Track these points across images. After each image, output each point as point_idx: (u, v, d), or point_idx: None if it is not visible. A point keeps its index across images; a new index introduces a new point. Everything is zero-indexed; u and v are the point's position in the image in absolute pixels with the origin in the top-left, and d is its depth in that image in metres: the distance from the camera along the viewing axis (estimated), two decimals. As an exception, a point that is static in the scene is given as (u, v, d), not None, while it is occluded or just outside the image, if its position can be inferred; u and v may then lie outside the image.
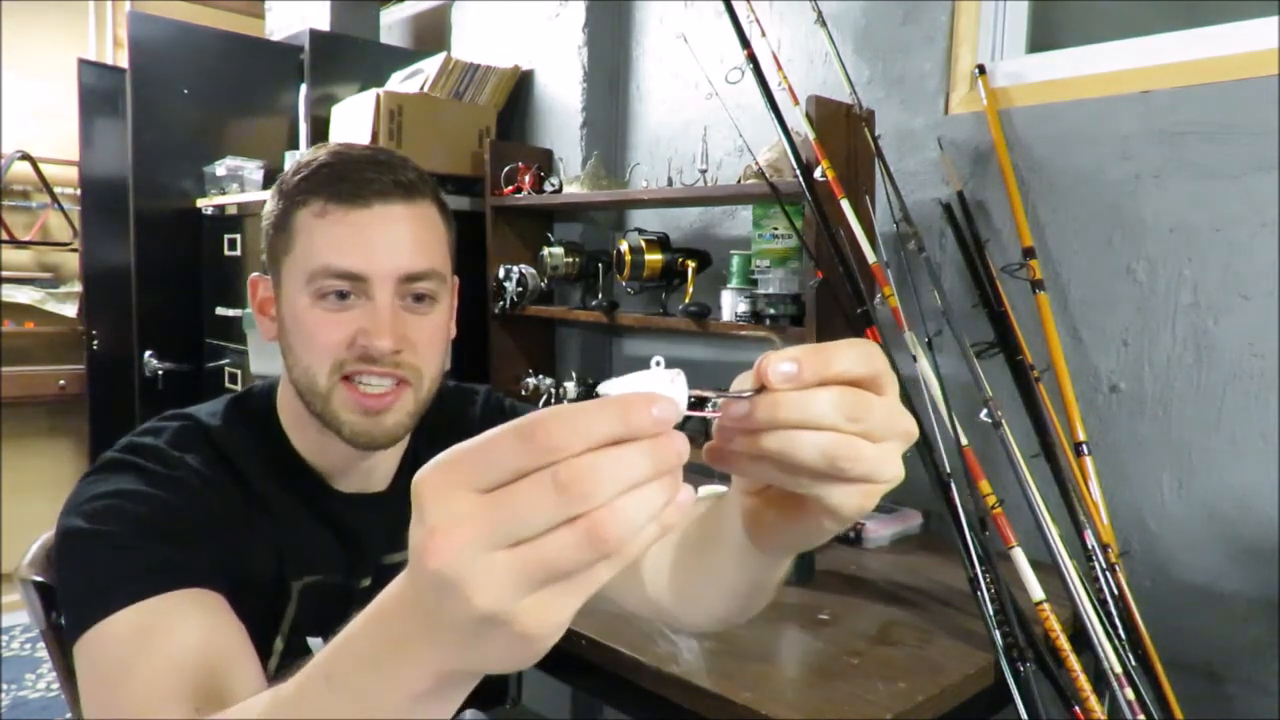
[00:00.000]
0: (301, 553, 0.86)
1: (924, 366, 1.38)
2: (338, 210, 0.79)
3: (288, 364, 0.84)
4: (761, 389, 0.43)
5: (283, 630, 0.85)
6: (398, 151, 0.85)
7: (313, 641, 0.89)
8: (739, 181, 1.86)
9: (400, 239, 0.80)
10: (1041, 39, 1.76)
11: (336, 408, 0.81)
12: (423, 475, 0.36)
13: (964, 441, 1.34)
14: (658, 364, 0.41)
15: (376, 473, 0.92)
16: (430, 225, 0.84)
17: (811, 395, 0.42)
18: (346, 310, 0.80)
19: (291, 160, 2.57)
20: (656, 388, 0.39)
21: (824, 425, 0.42)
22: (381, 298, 0.79)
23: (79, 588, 0.72)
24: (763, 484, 0.51)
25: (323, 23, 2.79)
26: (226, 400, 0.90)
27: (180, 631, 0.68)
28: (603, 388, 0.39)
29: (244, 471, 0.84)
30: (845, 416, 0.42)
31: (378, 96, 2.31)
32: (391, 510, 0.93)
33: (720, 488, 1.78)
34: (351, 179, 0.79)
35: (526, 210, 2.34)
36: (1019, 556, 1.28)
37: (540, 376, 2.29)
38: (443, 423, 0.98)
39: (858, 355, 0.43)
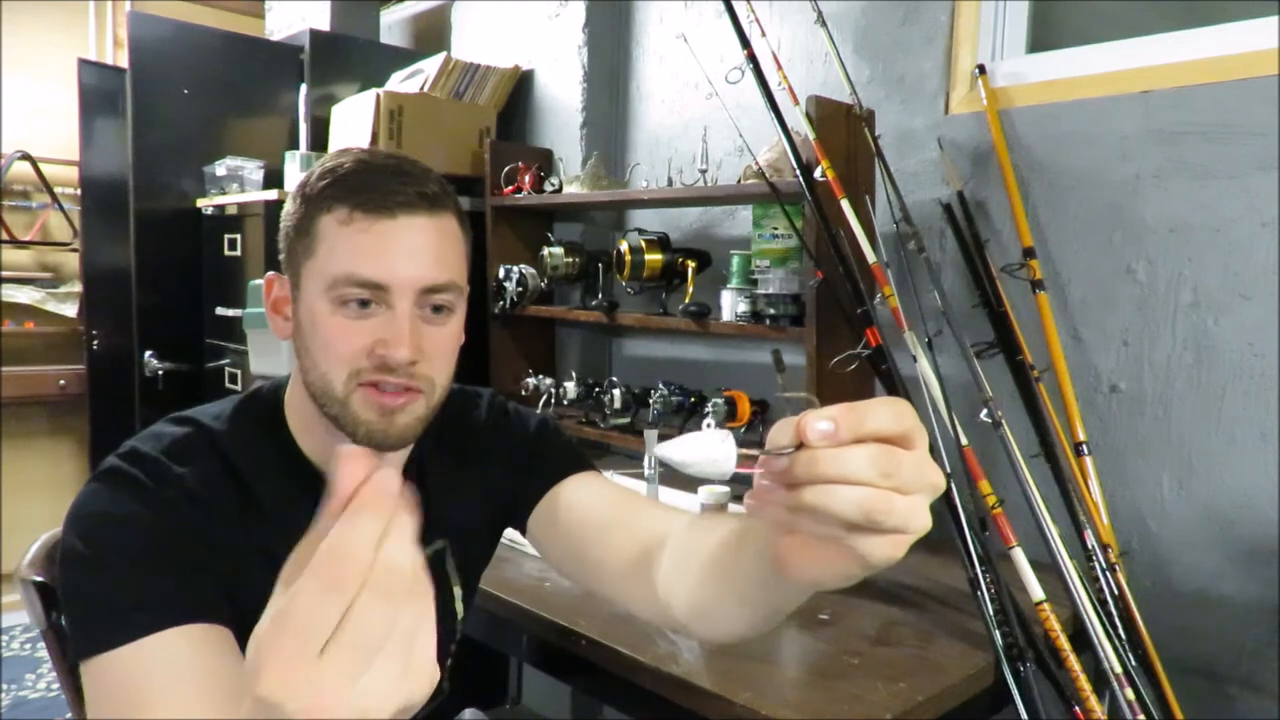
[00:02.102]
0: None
1: (924, 366, 1.38)
2: (363, 219, 0.80)
3: (303, 366, 0.85)
4: (800, 445, 0.46)
5: None
6: (420, 162, 0.86)
7: None
8: (739, 181, 1.86)
9: (423, 250, 0.81)
10: (1041, 39, 1.76)
11: (355, 409, 0.82)
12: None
13: (964, 441, 1.34)
14: (708, 425, 0.45)
15: None
16: (451, 237, 0.85)
17: (848, 452, 0.45)
18: (367, 318, 0.81)
19: (291, 159, 2.56)
20: (709, 448, 0.44)
21: (859, 480, 0.45)
22: (402, 308, 0.80)
23: (84, 611, 0.73)
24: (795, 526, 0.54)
25: (323, 23, 2.79)
26: (235, 402, 0.90)
27: (186, 674, 0.70)
28: (660, 450, 0.45)
29: (247, 478, 0.85)
30: (879, 472, 0.45)
31: (378, 96, 2.31)
32: None
33: (722, 488, 1.78)
34: (378, 189, 0.80)
35: (526, 210, 2.34)
36: (1019, 556, 1.28)
37: (540, 377, 2.29)
38: (447, 426, 0.99)
39: (890, 413, 0.46)
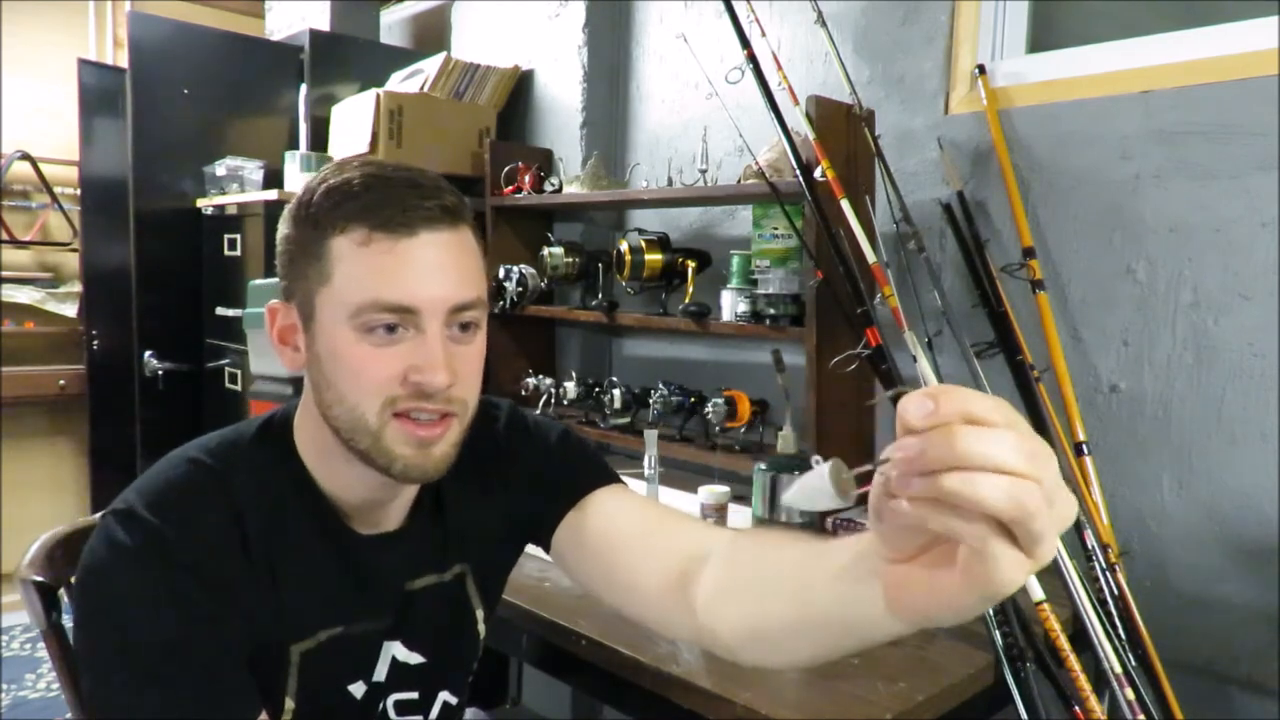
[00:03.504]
0: (316, 608, 0.84)
1: (924, 366, 1.38)
2: (384, 239, 0.75)
3: (325, 400, 0.80)
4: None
5: (289, 690, 0.83)
6: (429, 171, 0.82)
7: (353, 687, 0.89)
8: (739, 181, 1.86)
9: (448, 268, 0.78)
10: (1041, 39, 1.76)
11: (389, 443, 0.78)
12: None
13: (964, 441, 1.34)
14: (817, 462, 0.46)
15: (395, 507, 0.90)
16: (470, 250, 0.81)
17: (995, 433, 0.41)
18: (395, 344, 0.77)
19: (291, 159, 2.55)
20: (824, 483, 0.45)
21: (1005, 466, 0.41)
22: (432, 330, 0.77)
23: (102, 708, 0.74)
24: (914, 551, 0.50)
25: (323, 23, 2.79)
26: (248, 440, 0.86)
27: None
28: (787, 499, 0.47)
29: (258, 530, 0.81)
30: (1025, 456, 0.41)
31: (378, 96, 2.31)
32: (408, 545, 0.91)
33: (722, 488, 1.77)
34: (395, 204, 0.76)
35: (526, 210, 2.34)
36: (1019, 556, 1.28)
37: (540, 377, 2.29)
38: (466, 443, 0.94)
39: (996, 404, 0.43)
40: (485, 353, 0.85)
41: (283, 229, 0.81)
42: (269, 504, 0.82)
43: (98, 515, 1.00)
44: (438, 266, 0.77)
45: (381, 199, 0.76)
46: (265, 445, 0.86)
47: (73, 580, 0.78)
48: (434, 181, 0.80)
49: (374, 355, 0.76)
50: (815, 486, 0.44)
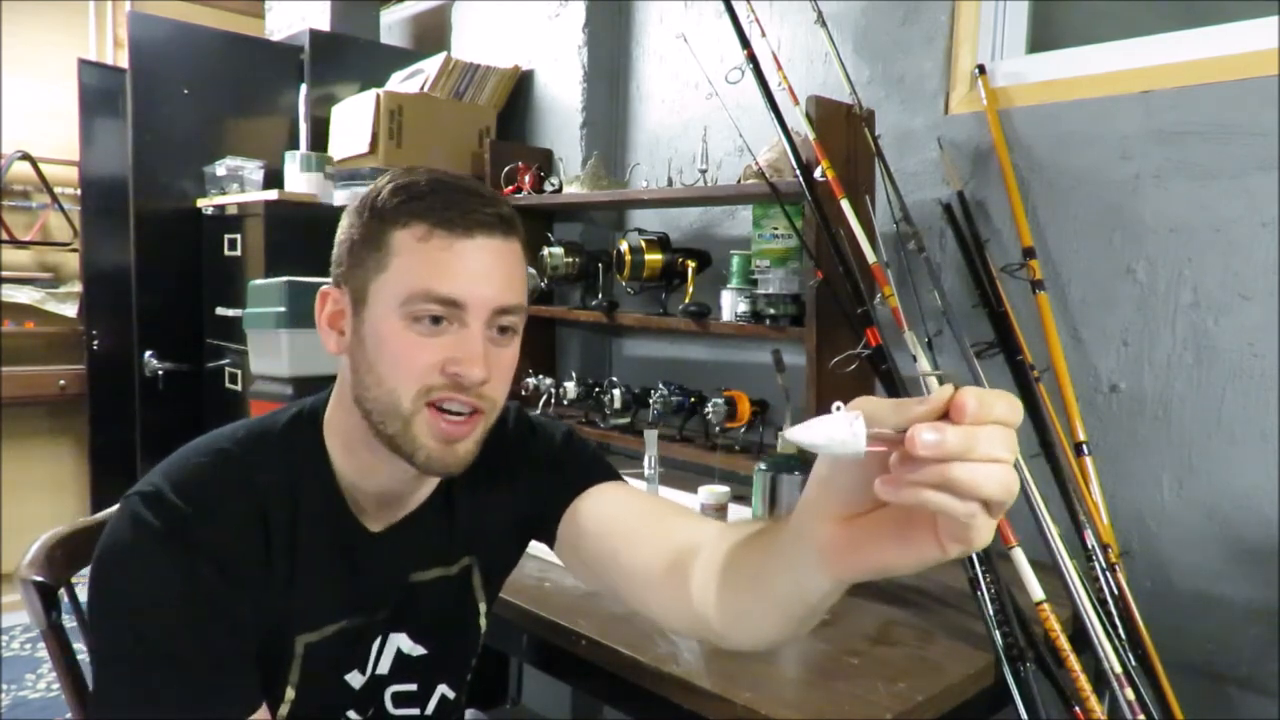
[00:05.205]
0: (324, 602, 0.87)
1: (924, 366, 1.38)
2: (444, 237, 0.80)
3: (363, 383, 0.83)
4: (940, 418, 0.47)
5: (291, 680, 0.86)
6: (487, 185, 0.87)
7: (349, 677, 0.91)
8: (739, 181, 1.86)
9: (497, 271, 0.82)
10: (1041, 39, 1.76)
11: (417, 432, 0.81)
12: None
13: (964, 441, 1.33)
14: (838, 409, 0.47)
15: (412, 500, 0.93)
16: (519, 261, 0.86)
17: (996, 432, 0.47)
18: (438, 335, 0.81)
19: (291, 159, 2.55)
20: (839, 429, 0.46)
21: (997, 457, 0.47)
22: (475, 327, 0.81)
23: (116, 693, 0.76)
24: (859, 512, 0.55)
25: (323, 23, 2.79)
26: (277, 431, 0.88)
27: None
28: (790, 434, 0.47)
29: (278, 525, 0.83)
30: (1009, 450, 0.47)
31: (378, 96, 2.31)
32: (420, 529, 0.94)
33: (722, 488, 1.77)
34: (456, 207, 0.81)
35: (526, 210, 2.34)
36: (1019, 556, 1.28)
37: (540, 377, 2.29)
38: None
39: (1011, 407, 0.48)
40: (518, 360, 0.88)
41: (345, 220, 0.86)
42: (290, 499, 0.85)
43: (99, 514, 1.01)
44: (488, 268, 0.82)
45: (445, 201, 0.81)
46: (293, 437, 0.88)
47: (92, 558, 0.79)
48: (491, 193, 0.86)
49: (418, 343, 0.80)
50: (829, 432, 0.46)
